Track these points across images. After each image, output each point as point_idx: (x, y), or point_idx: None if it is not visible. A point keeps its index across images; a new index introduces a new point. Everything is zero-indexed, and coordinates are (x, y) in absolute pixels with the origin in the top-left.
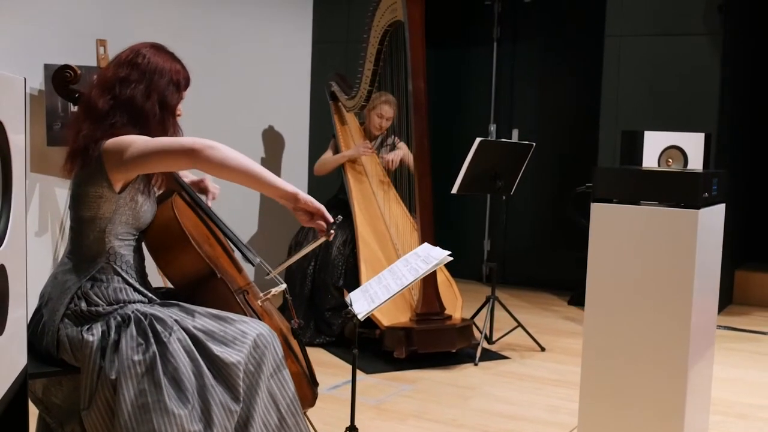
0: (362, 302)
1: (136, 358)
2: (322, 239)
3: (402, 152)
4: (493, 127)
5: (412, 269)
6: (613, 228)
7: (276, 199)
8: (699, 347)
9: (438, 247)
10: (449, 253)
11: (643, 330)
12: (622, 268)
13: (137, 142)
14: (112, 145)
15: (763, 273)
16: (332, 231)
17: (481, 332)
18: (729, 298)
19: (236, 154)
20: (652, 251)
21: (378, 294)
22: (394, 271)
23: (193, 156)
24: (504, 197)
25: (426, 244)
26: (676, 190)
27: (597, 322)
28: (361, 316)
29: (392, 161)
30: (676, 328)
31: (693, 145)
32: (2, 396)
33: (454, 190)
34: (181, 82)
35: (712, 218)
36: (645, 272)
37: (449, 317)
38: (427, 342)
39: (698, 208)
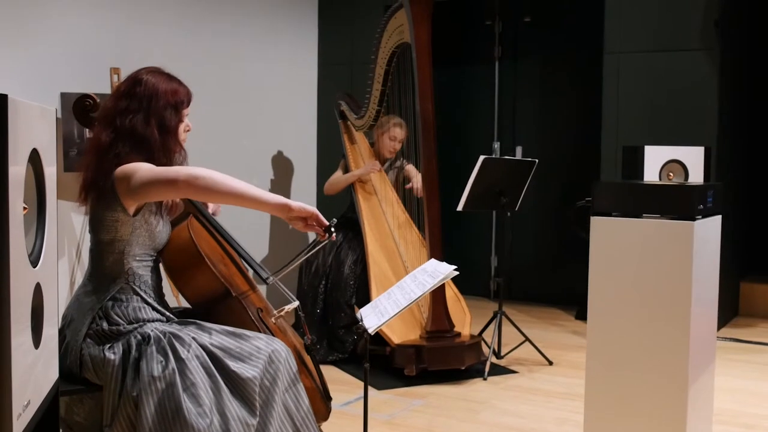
0: (372, 317)
1: (156, 374)
2: (324, 241)
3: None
4: (496, 145)
5: (420, 284)
6: (612, 241)
7: (270, 213)
8: (700, 356)
9: (444, 263)
10: (455, 267)
11: (644, 340)
12: (623, 280)
13: (140, 170)
14: (121, 173)
15: None
16: (332, 231)
17: (489, 347)
18: (735, 310)
19: (223, 178)
20: (651, 263)
21: (387, 309)
22: (403, 287)
23: (174, 186)
24: (508, 213)
25: (433, 259)
26: (672, 202)
27: (599, 334)
28: (371, 330)
29: (418, 189)
30: (676, 337)
31: (693, 158)
32: (38, 406)
33: (460, 208)
34: (179, 101)
35: (709, 229)
36: (645, 283)
37: (458, 334)
38: (437, 359)
39: (694, 220)
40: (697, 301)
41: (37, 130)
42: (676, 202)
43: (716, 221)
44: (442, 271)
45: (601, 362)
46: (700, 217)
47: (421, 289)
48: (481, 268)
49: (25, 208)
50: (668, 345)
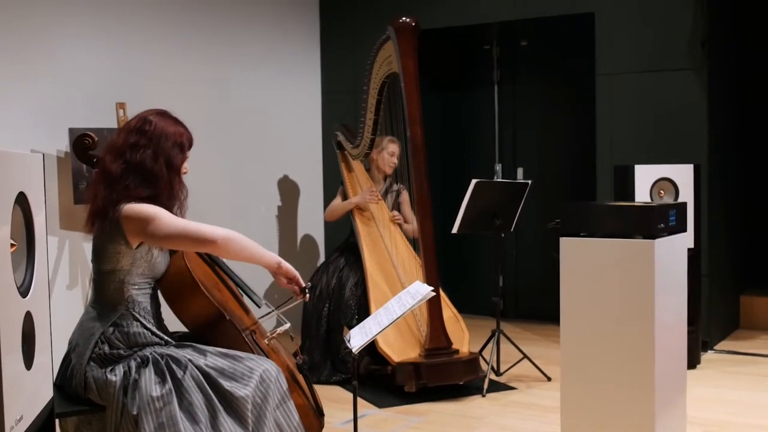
0: (358, 338)
1: (154, 394)
2: (298, 300)
3: (409, 226)
4: (498, 167)
5: (402, 305)
6: (581, 260)
7: (264, 266)
8: (667, 368)
9: (425, 285)
10: (432, 289)
11: (613, 356)
12: (591, 298)
13: (161, 218)
14: (133, 213)
15: None
16: (307, 293)
17: (488, 364)
18: (735, 323)
19: (245, 242)
20: (616, 281)
21: (372, 329)
22: (388, 308)
23: (213, 247)
24: (503, 234)
25: (417, 282)
26: (634, 222)
27: (572, 350)
28: (355, 350)
29: (397, 217)
30: (642, 352)
31: (683, 176)
32: (32, 422)
33: (454, 230)
34: (184, 143)
35: (672, 247)
36: (611, 301)
37: (456, 351)
38: (436, 375)
39: (654, 239)
40: (662, 316)
41: (22, 175)
42: (638, 221)
43: (681, 239)
44: (421, 292)
45: (575, 377)
46: (665, 234)
47: (402, 310)
48: (488, 288)
49: (13, 245)
50: (635, 359)
